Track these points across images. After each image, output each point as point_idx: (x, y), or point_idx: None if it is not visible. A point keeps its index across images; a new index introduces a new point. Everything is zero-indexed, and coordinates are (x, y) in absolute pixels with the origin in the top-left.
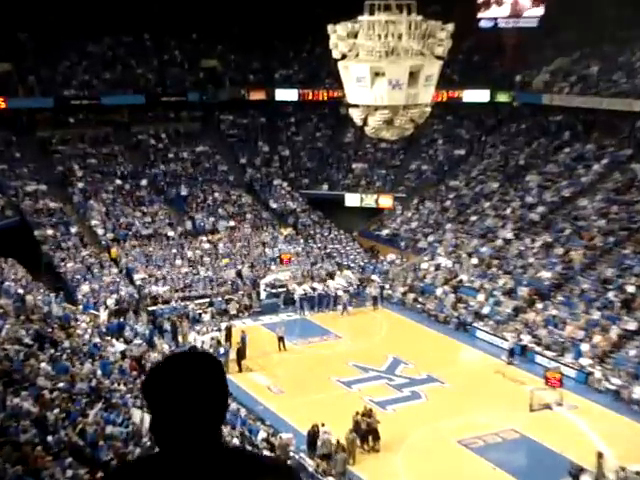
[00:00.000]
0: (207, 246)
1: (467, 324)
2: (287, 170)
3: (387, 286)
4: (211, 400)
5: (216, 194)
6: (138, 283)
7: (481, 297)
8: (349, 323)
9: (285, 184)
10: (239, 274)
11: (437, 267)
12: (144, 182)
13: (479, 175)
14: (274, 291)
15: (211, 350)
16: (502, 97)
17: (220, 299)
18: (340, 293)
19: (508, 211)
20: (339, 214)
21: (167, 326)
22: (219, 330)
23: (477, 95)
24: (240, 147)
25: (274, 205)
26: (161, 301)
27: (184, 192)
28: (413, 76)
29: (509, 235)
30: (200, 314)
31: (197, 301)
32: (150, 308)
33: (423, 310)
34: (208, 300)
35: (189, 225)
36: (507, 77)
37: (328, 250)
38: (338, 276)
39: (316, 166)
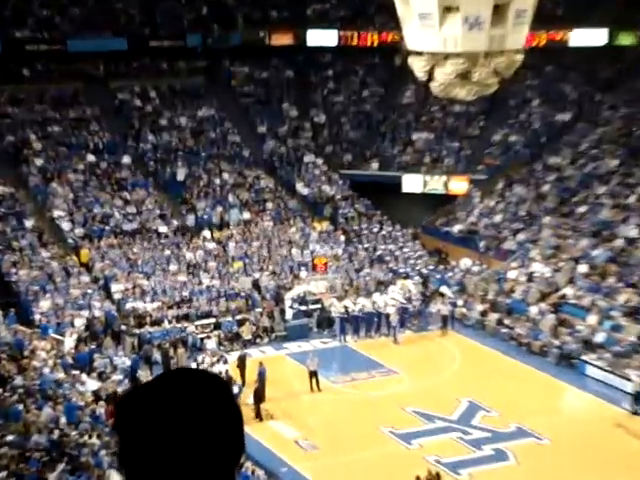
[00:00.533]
0: (212, 246)
1: (573, 356)
2: (322, 143)
3: (460, 302)
4: (217, 441)
5: (225, 175)
6: (117, 297)
7: (593, 319)
8: (407, 353)
9: (320, 161)
10: (256, 285)
11: (530, 277)
12: (126, 159)
13: (591, 149)
14: (304, 308)
15: None
16: (625, 39)
17: (230, 319)
18: (394, 311)
19: (632, 199)
20: (394, 203)
21: (157, 356)
22: (227, 362)
23: (590, 37)
24: (258, 111)
25: (304, 191)
26: (149, 322)
27: (181, 173)
28: (499, 11)
29: (633, 233)
30: (202, 339)
31: (198, 322)
32: (134, 331)
33: (511, 336)
34: (213, 321)
35: (189, 218)
36: (632, 12)
37: (379, 253)
38: (392, 289)
39: (362, 137)
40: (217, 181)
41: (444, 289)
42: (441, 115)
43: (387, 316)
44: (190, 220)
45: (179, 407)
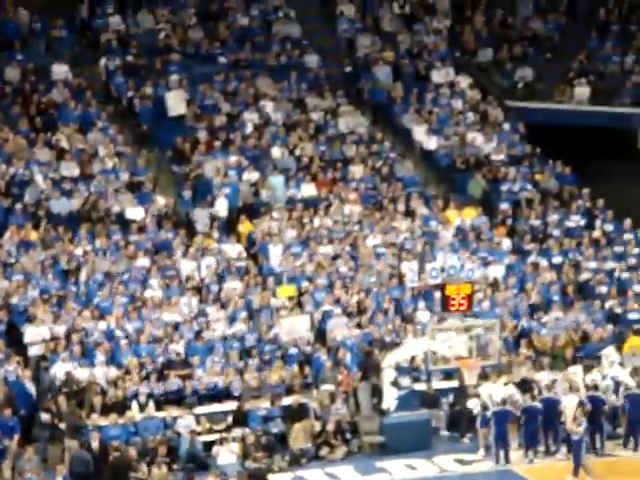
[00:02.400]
0: (233, 250)
1: None
2: (468, 41)
3: None
4: None
5: (267, 105)
6: (34, 353)
7: None
8: None
9: (465, 81)
10: (322, 335)
11: None
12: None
13: None
14: (423, 389)
15: None
16: None
17: (267, 406)
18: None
19: None
20: (621, 174)
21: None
22: None
23: None
24: None
25: (431, 142)
26: (99, 405)
27: (176, 109)
28: None
29: None
30: (208, 447)
31: (202, 409)
32: (68, 424)
33: None
34: (232, 408)
35: (185, 193)
36: None
37: (584, 277)
38: (612, 357)
39: (554, 30)
40: (248, 116)
41: None
42: None
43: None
44: (187, 196)
45: None
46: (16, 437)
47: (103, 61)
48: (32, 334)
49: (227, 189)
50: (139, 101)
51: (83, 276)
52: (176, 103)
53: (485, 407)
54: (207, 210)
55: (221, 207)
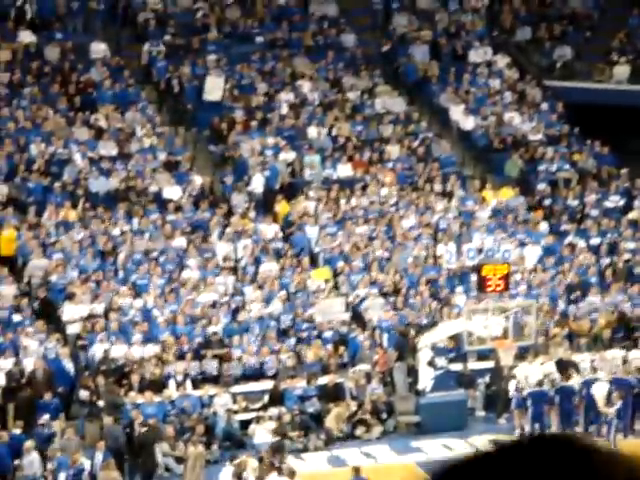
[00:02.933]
0: (270, 231)
1: None
2: (507, 20)
3: None
4: None
5: (305, 85)
6: (73, 331)
7: None
8: None
9: (503, 60)
10: (359, 316)
11: None
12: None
13: None
14: (459, 369)
15: None
16: None
17: (303, 384)
18: (605, 390)
19: None
20: None
21: (157, 453)
22: (293, 475)
23: None
24: None
25: (468, 122)
26: (136, 383)
27: (212, 94)
28: None
29: None
30: (245, 426)
31: (238, 388)
32: (103, 402)
33: None
34: (269, 387)
35: (225, 172)
36: None
37: (625, 257)
38: None
39: (594, 8)
40: (285, 95)
41: None
42: None
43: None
44: (227, 177)
45: None
46: (62, 417)
47: (146, 46)
48: (71, 312)
49: (263, 168)
50: (177, 81)
51: (121, 256)
52: (213, 89)
53: (520, 388)
54: (244, 190)
55: (257, 185)
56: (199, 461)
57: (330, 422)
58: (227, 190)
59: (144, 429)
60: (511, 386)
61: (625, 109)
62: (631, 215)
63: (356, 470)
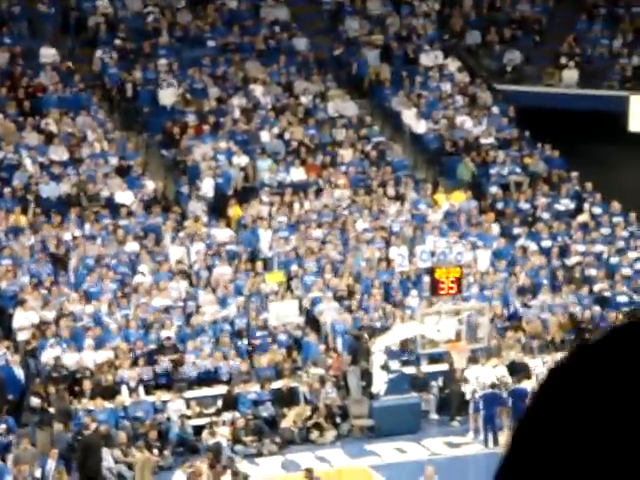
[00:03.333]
0: (224, 235)
1: None
2: (457, 24)
3: None
4: None
5: (257, 89)
6: (23, 338)
7: None
8: None
9: (454, 65)
10: (313, 320)
11: None
12: None
13: None
14: (411, 372)
15: None
16: None
17: (257, 389)
18: None
19: None
20: (609, 156)
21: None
22: None
23: None
24: None
25: (420, 126)
26: (89, 390)
27: (169, 95)
28: None
29: None
30: (199, 432)
31: (192, 393)
32: (56, 407)
33: None
34: (222, 391)
35: (182, 179)
36: None
37: (573, 260)
38: None
39: (541, 13)
40: (236, 102)
41: None
42: None
43: None
44: (176, 180)
45: None
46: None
47: (99, 53)
48: (21, 319)
49: (216, 173)
50: (129, 85)
51: (72, 261)
52: (168, 99)
53: (475, 390)
54: (195, 194)
55: (207, 190)
56: (147, 467)
57: (288, 422)
58: (180, 195)
59: (89, 432)
60: (468, 389)
61: (575, 113)
62: (581, 218)
63: (308, 472)
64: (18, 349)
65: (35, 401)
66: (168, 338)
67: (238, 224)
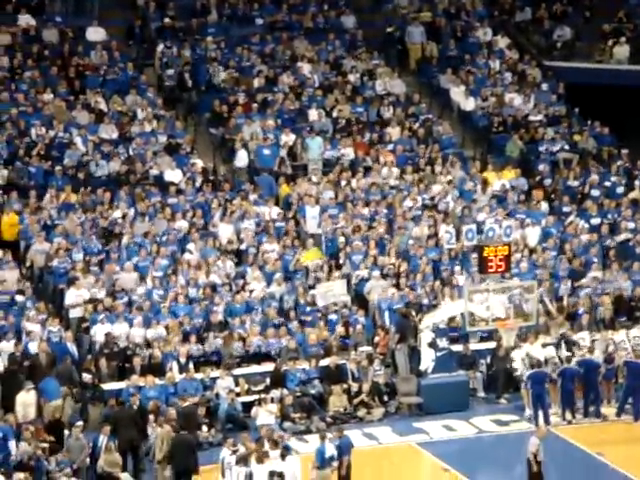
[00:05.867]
0: (271, 213)
1: None
2: None
3: None
4: None
5: (304, 67)
6: (75, 314)
7: None
8: None
9: (503, 41)
10: (360, 297)
11: None
12: None
13: None
14: (460, 350)
15: None
16: None
17: (305, 367)
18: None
19: None
20: None
21: (150, 433)
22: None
23: None
24: None
25: (468, 103)
26: (138, 366)
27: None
28: None
29: None
30: (247, 408)
31: (240, 371)
32: (105, 386)
33: None
34: (270, 368)
35: (238, 157)
36: None
37: (622, 236)
38: None
39: None
40: (285, 80)
41: None
42: None
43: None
44: (231, 163)
45: None
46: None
47: (160, 47)
48: (73, 296)
49: (264, 151)
50: (178, 64)
51: (123, 239)
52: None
53: (526, 367)
54: (244, 172)
55: (256, 167)
56: (166, 440)
57: (333, 396)
58: (229, 173)
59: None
60: (519, 366)
61: (625, 89)
62: (632, 195)
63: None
64: (70, 325)
65: (87, 377)
66: (216, 315)
67: (286, 202)
